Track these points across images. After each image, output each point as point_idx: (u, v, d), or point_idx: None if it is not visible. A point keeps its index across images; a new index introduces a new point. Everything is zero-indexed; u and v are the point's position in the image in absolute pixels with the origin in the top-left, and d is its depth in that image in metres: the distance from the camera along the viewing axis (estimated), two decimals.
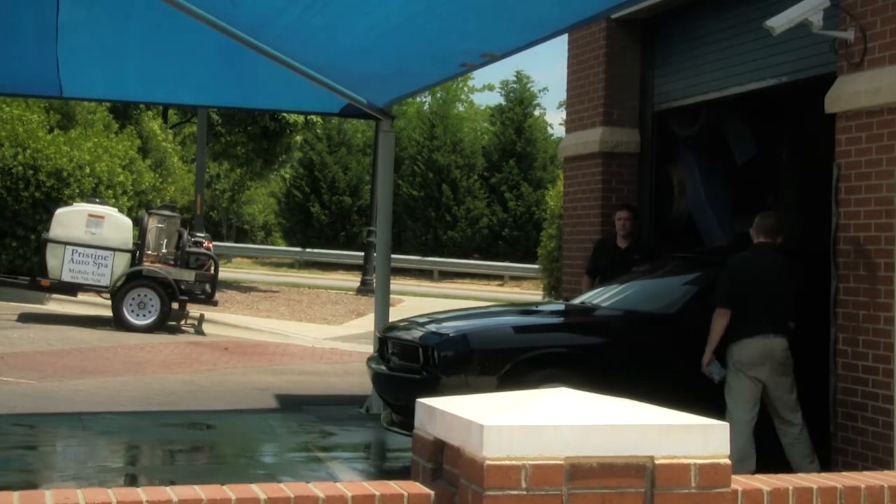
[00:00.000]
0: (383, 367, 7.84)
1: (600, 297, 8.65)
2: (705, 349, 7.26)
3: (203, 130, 23.45)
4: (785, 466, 7.09)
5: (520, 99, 39.69)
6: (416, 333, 7.65)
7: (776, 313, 7.16)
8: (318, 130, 36.59)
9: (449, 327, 7.79)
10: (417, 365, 7.41)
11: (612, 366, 7.29)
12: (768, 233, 7.34)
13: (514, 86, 40.24)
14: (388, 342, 7.88)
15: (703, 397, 6.69)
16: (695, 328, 7.76)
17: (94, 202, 16.69)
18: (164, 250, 16.57)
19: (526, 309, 8.69)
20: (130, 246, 16.11)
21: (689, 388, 6.81)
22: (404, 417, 7.62)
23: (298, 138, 28.49)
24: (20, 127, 19.13)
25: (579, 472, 2.77)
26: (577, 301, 8.86)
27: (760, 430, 7.24)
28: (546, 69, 65.85)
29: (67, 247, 15.61)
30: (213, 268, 16.64)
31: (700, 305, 7.82)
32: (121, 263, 15.83)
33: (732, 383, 7.21)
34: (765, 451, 7.14)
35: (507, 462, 2.72)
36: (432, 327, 7.76)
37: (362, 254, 27.86)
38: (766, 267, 7.23)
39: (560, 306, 8.92)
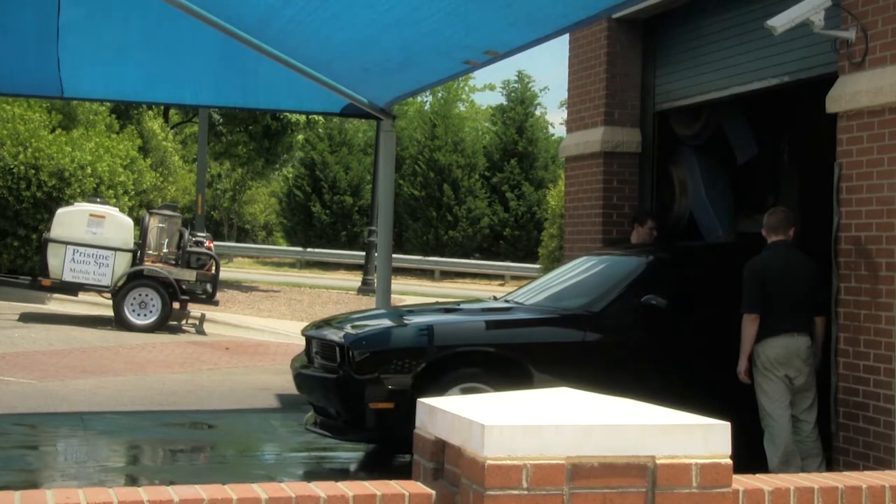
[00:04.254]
0: (305, 367, 7.76)
1: (529, 294, 8.53)
2: (739, 357, 7.19)
3: (204, 130, 23.45)
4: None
5: (521, 98, 39.67)
6: (336, 332, 7.56)
7: (799, 310, 7.15)
8: (320, 130, 36.58)
9: (365, 326, 7.74)
10: (335, 364, 7.35)
11: (523, 366, 7.21)
12: (779, 230, 7.31)
13: (516, 85, 40.24)
14: (312, 341, 7.81)
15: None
16: (618, 327, 7.64)
17: (96, 202, 16.71)
18: (165, 250, 16.58)
19: (448, 307, 8.60)
20: (131, 246, 16.12)
21: (610, 391, 6.71)
22: (324, 418, 7.57)
23: (300, 137, 28.49)
24: (22, 126, 19.15)
25: (580, 471, 2.76)
26: (504, 299, 8.74)
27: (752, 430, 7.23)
28: (547, 68, 65.99)
29: (68, 246, 15.62)
30: (214, 267, 16.65)
31: (625, 304, 7.70)
32: (122, 263, 15.84)
33: (763, 384, 7.17)
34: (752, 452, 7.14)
35: (509, 462, 2.72)
36: (350, 326, 7.69)
37: (363, 253, 27.86)
38: (785, 265, 7.22)
39: (483, 304, 8.80)
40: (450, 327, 7.58)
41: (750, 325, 7.16)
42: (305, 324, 10.17)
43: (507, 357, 7.26)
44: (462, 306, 8.57)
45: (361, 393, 7.14)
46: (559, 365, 7.31)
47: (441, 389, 7.02)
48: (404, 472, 3.19)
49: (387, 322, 7.86)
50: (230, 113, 24.97)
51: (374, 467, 8.08)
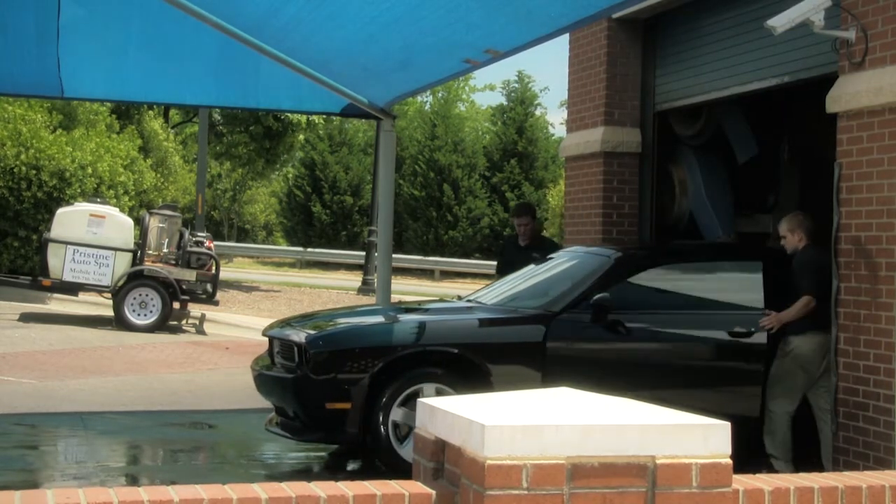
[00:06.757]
0: (266, 368, 7.70)
1: (492, 294, 8.49)
2: (780, 315, 7.29)
3: (204, 130, 23.46)
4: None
5: (521, 98, 39.70)
6: (295, 332, 7.51)
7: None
8: (320, 130, 36.60)
9: (324, 326, 7.71)
10: (294, 364, 7.31)
11: (482, 366, 7.16)
12: (814, 234, 7.56)
13: (516, 85, 40.27)
14: (273, 342, 7.76)
15: None
16: (577, 328, 7.54)
17: (96, 202, 16.72)
18: (165, 250, 16.59)
19: (408, 307, 8.56)
20: (132, 246, 16.13)
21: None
22: (283, 418, 7.54)
23: (301, 137, 28.50)
24: (23, 127, 19.16)
25: (580, 471, 2.76)
26: (467, 298, 8.70)
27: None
28: (547, 68, 65.99)
29: (69, 246, 15.62)
30: (214, 267, 16.66)
31: (586, 304, 7.58)
32: (122, 263, 15.85)
33: (784, 375, 7.30)
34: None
35: (509, 462, 2.72)
36: (310, 326, 7.66)
37: (363, 253, 27.86)
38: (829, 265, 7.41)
39: (444, 304, 8.76)
40: (407, 327, 7.54)
41: (804, 306, 7.27)
42: None
43: (466, 357, 7.19)
44: (423, 306, 8.56)
45: (318, 393, 7.12)
46: (518, 365, 7.28)
47: (399, 390, 7.01)
48: (407, 472, 3.19)
49: (346, 321, 7.84)
50: (230, 113, 24.98)
51: (375, 468, 8.08)
